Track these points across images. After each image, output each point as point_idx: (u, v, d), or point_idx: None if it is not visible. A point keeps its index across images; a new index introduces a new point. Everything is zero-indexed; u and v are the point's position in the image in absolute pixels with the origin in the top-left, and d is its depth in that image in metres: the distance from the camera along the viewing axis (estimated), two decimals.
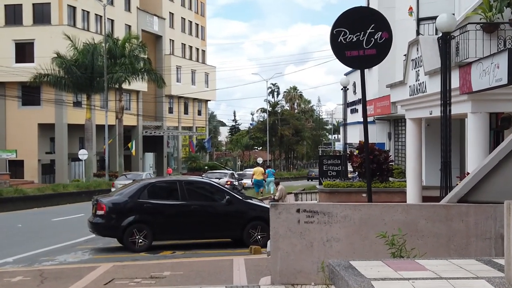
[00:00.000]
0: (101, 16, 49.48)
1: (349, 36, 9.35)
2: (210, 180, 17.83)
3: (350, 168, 24.13)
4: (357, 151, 21.51)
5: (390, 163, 20.77)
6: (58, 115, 48.41)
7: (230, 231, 15.03)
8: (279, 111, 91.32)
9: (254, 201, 15.99)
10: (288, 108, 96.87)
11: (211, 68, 78.60)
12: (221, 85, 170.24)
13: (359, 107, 29.63)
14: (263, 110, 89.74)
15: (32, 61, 47.32)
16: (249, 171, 47.62)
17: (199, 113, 76.14)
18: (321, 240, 7.83)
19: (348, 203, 8.20)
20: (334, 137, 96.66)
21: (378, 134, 26.73)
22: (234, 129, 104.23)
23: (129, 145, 52.33)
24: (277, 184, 25.03)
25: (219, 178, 37.22)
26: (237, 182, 41.06)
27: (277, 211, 7.92)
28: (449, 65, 10.21)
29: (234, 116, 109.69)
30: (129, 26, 58.36)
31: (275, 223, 7.91)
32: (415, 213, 7.88)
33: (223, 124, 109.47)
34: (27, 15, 49.89)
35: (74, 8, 51.25)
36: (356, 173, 22.23)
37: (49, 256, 13.62)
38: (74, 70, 41.70)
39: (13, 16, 50.25)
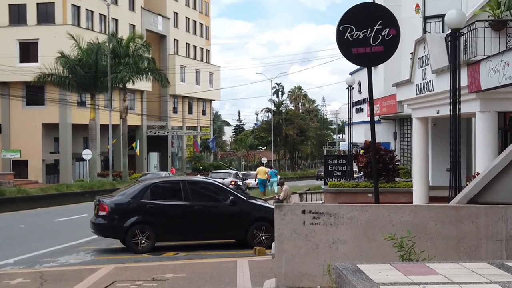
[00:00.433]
0: (105, 16, 49.37)
1: (355, 32, 9.10)
2: (214, 180, 17.62)
3: (355, 168, 23.92)
4: (362, 151, 21.31)
5: (396, 163, 20.55)
6: (62, 115, 48.36)
7: (234, 232, 14.82)
8: (283, 110, 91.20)
9: (258, 202, 15.78)
10: (292, 108, 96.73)
11: (215, 67, 78.46)
12: (225, 85, 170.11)
13: (365, 107, 29.42)
14: (268, 110, 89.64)
15: (36, 61, 47.30)
16: (253, 172, 47.42)
17: (204, 112, 76.01)
18: (327, 242, 7.62)
19: (354, 204, 7.98)
20: (339, 137, 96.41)
21: (383, 134, 26.52)
22: (239, 129, 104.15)
23: (133, 145, 52.22)
24: (282, 184, 24.82)
25: (223, 178, 37.05)
26: (241, 182, 40.88)
27: (282, 212, 7.72)
28: (459, 62, 9.97)
29: (239, 116, 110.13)
30: (133, 26, 58.28)
31: (280, 225, 7.71)
32: (424, 214, 7.66)
33: (228, 124, 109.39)
34: (31, 14, 49.85)
35: (78, 7, 51.18)
36: (362, 173, 22.03)
37: (50, 257, 13.44)
38: (78, 69, 41.62)
39: (17, 15, 50.23)
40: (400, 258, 6.16)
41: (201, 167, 63.37)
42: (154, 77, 47.27)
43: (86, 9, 52.17)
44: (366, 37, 9.12)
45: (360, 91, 30.74)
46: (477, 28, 13.00)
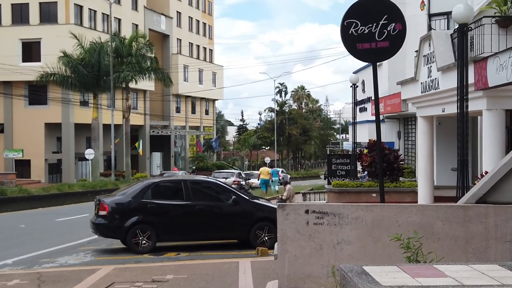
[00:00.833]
0: (108, 15, 49.24)
1: (360, 28, 8.85)
2: (216, 180, 17.41)
3: (359, 168, 23.70)
4: (365, 151, 21.09)
5: (401, 162, 20.33)
6: (65, 114, 48.25)
7: (236, 232, 14.62)
8: (286, 110, 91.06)
9: (261, 201, 15.57)
10: (296, 108, 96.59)
11: (218, 67, 78.31)
12: (228, 85, 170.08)
13: (368, 106, 29.20)
14: (271, 110, 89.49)
15: (39, 60, 47.17)
16: (256, 172, 47.29)
17: (207, 112, 75.85)
18: (331, 243, 7.41)
19: (359, 203, 7.78)
20: (342, 137, 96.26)
21: (387, 133, 26.31)
22: (242, 129, 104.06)
23: (136, 144, 52.07)
24: (285, 183, 24.63)
25: (226, 178, 36.91)
26: (244, 182, 40.73)
27: (285, 212, 7.50)
28: (467, 57, 9.73)
29: (242, 116, 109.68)
30: (136, 25, 58.15)
31: (283, 225, 7.50)
32: (431, 214, 7.44)
33: (231, 124, 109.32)
34: (34, 14, 49.76)
35: (81, 7, 51.07)
36: (366, 172, 21.80)
37: (50, 257, 13.26)
38: (80, 69, 41.47)
39: (20, 15, 50.15)
40: (407, 259, 5.96)
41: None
42: (157, 77, 47.09)
43: (89, 9, 52.06)
44: (371, 32, 8.87)
45: (364, 90, 30.54)
46: (483, 24, 12.75)
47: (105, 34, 48.92)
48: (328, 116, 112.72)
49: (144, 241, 13.82)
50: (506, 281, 4.37)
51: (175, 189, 14.75)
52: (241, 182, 39.10)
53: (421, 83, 15.88)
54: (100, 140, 44.68)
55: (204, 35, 76.49)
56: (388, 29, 8.88)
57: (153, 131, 60.92)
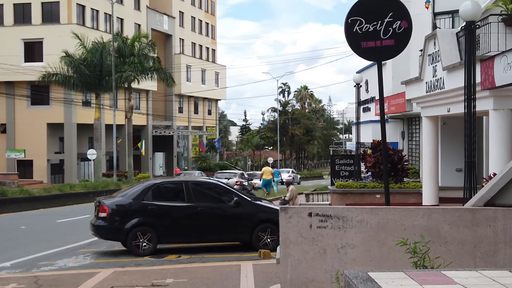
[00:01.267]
0: (110, 15, 49.09)
1: (365, 25, 8.61)
2: (218, 181, 17.19)
3: (362, 168, 23.46)
4: (369, 151, 20.86)
5: (405, 163, 20.09)
6: (67, 114, 48.14)
7: (238, 234, 14.39)
8: (289, 110, 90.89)
9: (263, 203, 15.34)
10: (299, 108, 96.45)
11: (221, 67, 78.13)
12: (231, 85, 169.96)
13: (372, 106, 28.98)
14: (274, 110, 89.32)
15: (41, 60, 47.09)
16: (259, 173, 47.12)
17: (209, 112, 75.68)
18: (335, 247, 7.20)
19: (364, 206, 7.56)
20: (345, 137, 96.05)
21: (391, 133, 26.10)
22: (245, 129, 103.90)
23: (139, 144, 51.93)
24: (288, 184, 24.41)
25: (229, 178, 36.69)
26: (247, 182, 40.52)
27: (287, 215, 7.29)
28: (474, 56, 9.49)
29: (245, 116, 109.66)
30: (139, 25, 57.99)
31: (285, 228, 7.29)
32: (438, 217, 7.23)
33: (234, 124, 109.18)
34: (36, 14, 49.66)
35: (83, 6, 50.95)
36: (369, 173, 21.57)
37: (49, 260, 13.05)
38: (82, 69, 41.34)
39: (22, 15, 50.06)
40: (414, 264, 5.75)
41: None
42: (159, 77, 46.93)
43: (91, 8, 51.93)
44: (376, 30, 8.63)
45: (367, 90, 30.33)
46: (490, 22, 12.52)
47: (108, 34, 48.76)
48: (331, 116, 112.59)
49: (145, 244, 13.61)
50: None
51: (176, 190, 14.53)
52: (244, 183, 38.88)
53: (426, 82, 15.65)
54: (102, 141, 44.54)
55: (207, 35, 76.32)
56: (394, 27, 8.64)
57: (155, 131, 60.77)
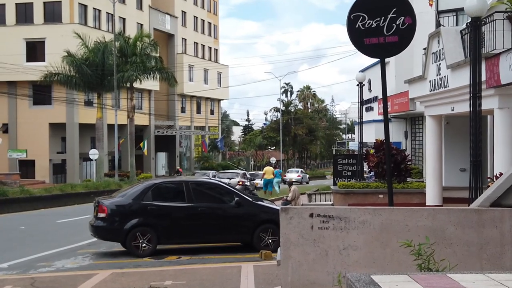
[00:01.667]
0: (112, 15, 48.93)
1: (368, 21, 8.40)
2: (219, 181, 17.00)
3: (365, 168, 23.26)
4: (371, 151, 20.66)
5: (408, 163, 19.89)
6: (69, 114, 48.03)
7: (239, 234, 14.22)
8: (292, 110, 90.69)
9: (265, 203, 15.17)
10: (301, 108, 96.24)
11: (223, 67, 77.97)
12: (234, 84, 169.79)
13: (375, 105, 28.77)
14: (277, 110, 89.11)
15: (43, 60, 46.98)
16: (261, 173, 46.96)
17: (212, 112, 75.51)
18: (337, 248, 7.00)
19: (367, 207, 7.37)
20: (348, 137, 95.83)
21: (394, 133, 25.89)
22: (248, 129, 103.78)
23: (141, 144, 51.77)
24: (290, 184, 24.22)
25: (231, 178, 36.52)
26: (249, 182, 40.34)
27: (288, 216, 7.10)
28: (479, 53, 9.27)
29: (248, 116, 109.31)
30: (141, 25, 57.89)
31: (286, 229, 7.09)
32: (443, 218, 7.03)
33: (236, 124, 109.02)
34: (38, 13, 49.57)
35: (85, 6, 50.85)
36: (372, 173, 21.37)
37: (47, 261, 12.87)
38: (84, 68, 41.20)
39: (24, 14, 49.98)
40: (418, 267, 5.55)
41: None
42: (161, 76, 46.75)
43: (93, 8, 51.83)
44: (379, 26, 8.42)
45: (370, 90, 30.15)
46: (495, 20, 12.30)
47: (110, 34, 48.62)
48: (334, 116, 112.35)
49: (144, 244, 13.44)
50: None
51: (177, 190, 14.35)
52: (246, 183, 38.68)
53: (430, 81, 15.44)
54: (104, 140, 44.39)
55: (209, 34, 76.17)
56: (397, 23, 8.42)
57: (158, 131, 60.64)
